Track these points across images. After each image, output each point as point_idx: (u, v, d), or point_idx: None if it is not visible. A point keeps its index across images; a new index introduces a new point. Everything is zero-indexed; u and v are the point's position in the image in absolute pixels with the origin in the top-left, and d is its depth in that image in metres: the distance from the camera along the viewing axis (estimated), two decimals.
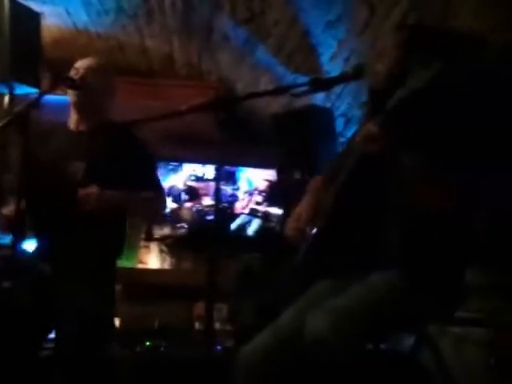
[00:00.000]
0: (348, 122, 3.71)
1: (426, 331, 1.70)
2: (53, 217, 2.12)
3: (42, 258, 2.17)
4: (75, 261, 2.09)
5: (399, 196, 1.52)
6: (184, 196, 4.49)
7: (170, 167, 4.54)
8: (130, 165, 2.17)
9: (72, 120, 2.27)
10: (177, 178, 4.52)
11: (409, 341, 1.78)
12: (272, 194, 4.55)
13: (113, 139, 2.19)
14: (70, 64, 2.24)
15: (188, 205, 4.48)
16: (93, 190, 2.03)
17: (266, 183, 4.57)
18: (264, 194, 4.56)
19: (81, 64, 2.23)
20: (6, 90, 2.56)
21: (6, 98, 2.63)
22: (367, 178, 1.57)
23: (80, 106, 2.23)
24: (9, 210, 2.14)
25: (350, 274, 1.62)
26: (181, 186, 4.50)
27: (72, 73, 2.20)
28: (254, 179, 4.60)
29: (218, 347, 3.48)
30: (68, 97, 2.22)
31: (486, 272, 2.26)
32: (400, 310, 1.53)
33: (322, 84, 1.65)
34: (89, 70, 2.20)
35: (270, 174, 4.56)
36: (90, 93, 2.19)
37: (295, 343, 1.51)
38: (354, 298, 1.49)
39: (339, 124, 3.71)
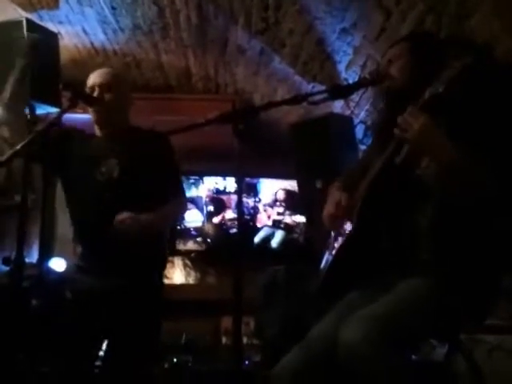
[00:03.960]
0: (368, 129, 3.68)
1: (459, 340, 1.65)
2: (96, 229, 2.13)
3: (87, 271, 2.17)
4: (121, 274, 2.10)
5: (433, 192, 1.50)
6: (209, 208, 4.49)
7: (191, 181, 4.55)
8: (157, 166, 2.20)
9: (97, 130, 2.31)
10: (198, 191, 4.53)
11: (442, 350, 1.73)
12: (293, 203, 4.53)
13: (141, 140, 2.24)
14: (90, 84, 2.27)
15: (214, 220, 4.47)
16: (126, 215, 2.03)
17: (284, 193, 4.55)
18: (284, 203, 4.54)
19: (95, 80, 2.26)
20: (26, 110, 2.59)
21: (27, 118, 2.66)
22: (401, 172, 1.54)
23: (103, 121, 2.26)
24: None
25: (380, 283, 1.59)
26: (204, 198, 4.50)
27: (89, 90, 2.24)
28: (273, 189, 4.59)
29: (246, 362, 3.45)
30: (91, 114, 2.26)
31: None
32: (432, 317, 1.49)
33: (341, 91, 1.64)
34: (105, 86, 2.23)
35: (290, 185, 4.55)
36: (109, 107, 2.23)
37: (327, 357, 1.48)
38: (385, 307, 1.46)
39: (359, 131, 3.67)
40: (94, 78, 2.28)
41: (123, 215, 2.02)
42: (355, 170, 1.81)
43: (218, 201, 4.52)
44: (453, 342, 1.64)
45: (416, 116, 1.45)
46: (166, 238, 2.32)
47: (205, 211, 4.50)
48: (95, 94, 2.21)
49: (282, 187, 4.57)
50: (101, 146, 2.24)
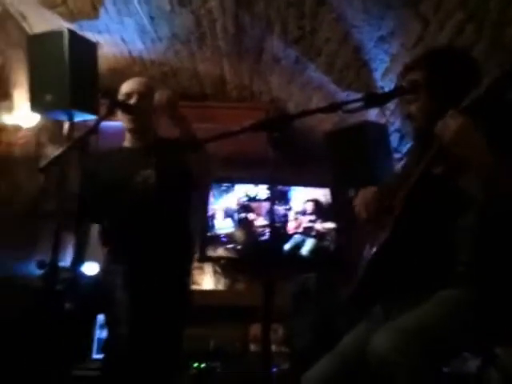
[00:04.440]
0: (403, 137, 3.63)
1: (493, 353, 1.61)
2: (128, 233, 2.24)
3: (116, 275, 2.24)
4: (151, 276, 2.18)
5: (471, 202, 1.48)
6: (239, 215, 4.51)
7: (223, 188, 4.58)
8: (181, 180, 2.29)
9: (127, 141, 2.38)
10: (230, 198, 4.55)
11: (474, 362, 1.69)
12: (321, 214, 4.51)
13: (168, 152, 2.31)
14: (126, 92, 2.32)
15: (243, 226, 4.49)
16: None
17: (312, 204, 4.54)
18: (313, 214, 4.52)
19: (133, 87, 2.33)
20: (65, 118, 2.66)
21: (66, 125, 2.73)
22: (441, 182, 1.53)
23: (136, 129, 2.33)
24: None
25: (413, 294, 1.57)
26: (234, 205, 4.52)
27: (123, 97, 2.31)
28: (305, 197, 4.58)
29: (274, 369, 3.43)
30: (123, 122, 2.33)
31: None
32: (466, 329, 1.46)
33: (377, 99, 1.62)
34: (140, 95, 2.29)
35: (321, 193, 4.53)
36: (143, 116, 2.30)
37: (358, 367, 1.47)
38: (417, 319, 1.44)
39: (394, 140, 3.63)
40: (131, 85, 2.34)
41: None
42: (392, 180, 1.80)
43: (246, 208, 4.53)
44: (487, 355, 1.60)
45: (455, 117, 1.43)
46: (194, 241, 2.47)
47: (236, 218, 4.52)
48: (132, 100, 2.28)
49: (311, 198, 4.57)
50: (134, 157, 2.31)
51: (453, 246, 1.53)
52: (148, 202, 2.20)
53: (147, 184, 2.22)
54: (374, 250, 1.63)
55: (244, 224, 4.50)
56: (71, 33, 2.64)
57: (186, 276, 2.37)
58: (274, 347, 3.71)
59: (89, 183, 2.28)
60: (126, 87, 2.35)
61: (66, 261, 3.57)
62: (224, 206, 4.54)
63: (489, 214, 1.48)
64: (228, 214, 4.53)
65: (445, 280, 1.53)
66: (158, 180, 2.22)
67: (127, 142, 2.39)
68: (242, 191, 4.57)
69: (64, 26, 2.94)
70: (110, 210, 2.28)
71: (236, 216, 4.52)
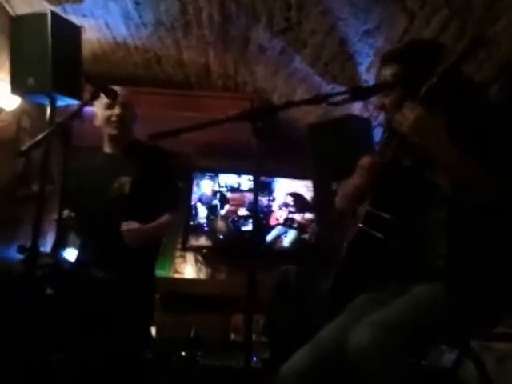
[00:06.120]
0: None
1: (469, 346, 1.64)
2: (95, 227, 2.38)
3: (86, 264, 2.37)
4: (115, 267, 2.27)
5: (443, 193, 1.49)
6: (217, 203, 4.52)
7: (206, 178, 4.57)
8: (159, 182, 2.42)
9: (107, 147, 2.53)
10: (210, 186, 4.56)
11: (451, 355, 1.72)
12: (302, 205, 4.54)
13: (146, 158, 2.45)
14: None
15: (223, 213, 4.50)
16: (134, 226, 2.25)
17: (292, 197, 4.57)
18: (294, 206, 4.55)
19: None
20: (47, 102, 2.62)
21: (48, 110, 2.69)
22: (412, 173, 1.54)
23: (118, 137, 2.48)
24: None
25: (390, 287, 1.59)
26: (210, 193, 4.53)
27: (107, 108, 2.45)
28: (288, 189, 4.60)
29: (254, 359, 3.45)
30: (107, 130, 2.47)
31: None
32: (443, 324, 1.49)
33: (362, 93, 1.62)
34: (122, 105, 2.43)
35: (305, 185, 4.55)
36: (126, 126, 2.47)
37: (336, 359, 1.48)
38: (396, 311, 1.46)
39: (377, 134, 3.65)
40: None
41: (128, 225, 2.24)
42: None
43: (223, 196, 4.55)
44: (463, 349, 1.63)
45: (412, 108, 1.45)
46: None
47: (218, 207, 4.52)
48: (116, 111, 2.42)
49: (292, 191, 4.59)
50: (114, 163, 2.45)
51: (428, 237, 1.55)
52: (121, 208, 2.33)
53: (122, 191, 2.35)
54: (347, 243, 1.65)
55: (225, 214, 4.51)
56: (54, 15, 2.58)
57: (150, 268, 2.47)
58: (254, 337, 3.73)
59: (68, 181, 2.33)
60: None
61: (47, 246, 3.54)
62: (206, 196, 4.54)
63: (461, 207, 1.49)
64: (208, 202, 4.53)
65: (421, 273, 1.54)
66: (132, 187, 2.35)
67: (107, 148, 2.52)
68: (223, 181, 4.57)
69: (48, 8, 2.89)
70: (82, 210, 2.43)
71: (218, 205, 4.52)
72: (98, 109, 2.51)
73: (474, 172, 1.42)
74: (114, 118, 2.44)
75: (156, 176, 2.41)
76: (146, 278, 2.41)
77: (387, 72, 1.67)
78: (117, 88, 2.43)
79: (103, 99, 2.42)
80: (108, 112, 2.45)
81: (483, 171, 1.41)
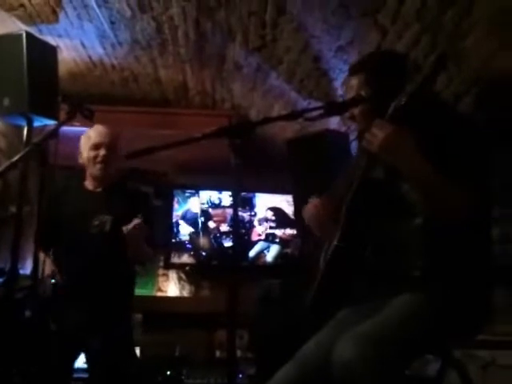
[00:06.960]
0: None
1: (452, 355, 1.65)
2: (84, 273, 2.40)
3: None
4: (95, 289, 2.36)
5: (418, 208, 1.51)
6: (202, 222, 4.50)
7: (187, 194, 4.56)
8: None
9: (89, 184, 2.54)
10: (192, 203, 4.55)
11: (435, 365, 1.73)
12: (282, 220, 4.56)
13: (127, 197, 2.51)
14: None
15: (206, 230, 4.48)
16: (138, 220, 2.26)
17: (272, 212, 4.59)
18: (273, 221, 4.57)
19: (98, 140, 2.49)
20: (24, 123, 2.60)
21: (25, 131, 2.67)
22: (386, 188, 1.56)
23: (102, 177, 2.50)
24: None
25: (371, 299, 1.60)
26: (196, 210, 4.51)
27: (92, 147, 2.49)
28: (269, 204, 4.61)
29: (240, 375, 3.43)
30: (91, 170, 2.49)
31: None
32: (426, 333, 1.50)
33: (337, 108, 1.65)
34: (108, 147, 2.47)
35: (286, 200, 4.56)
36: (110, 167, 2.50)
37: (321, 374, 1.47)
38: (378, 323, 1.46)
39: (354, 148, 3.70)
40: (99, 138, 2.50)
41: (135, 222, 2.25)
42: (339, 184, 1.83)
43: (209, 214, 4.54)
44: (446, 358, 1.64)
45: (381, 127, 1.47)
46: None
47: (200, 225, 4.51)
48: (101, 152, 2.45)
49: (271, 205, 4.61)
50: (95, 201, 2.47)
51: (404, 249, 1.56)
52: (100, 245, 2.37)
53: (103, 229, 2.38)
54: (324, 259, 1.66)
55: (207, 230, 4.49)
56: (29, 36, 2.57)
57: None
58: (239, 353, 3.71)
59: (47, 208, 2.33)
60: (94, 138, 2.49)
61: (27, 269, 3.48)
62: (188, 213, 4.52)
63: (433, 220, 1.51)
64: (191, 221, 4.51)
65: (401, 285, 1.55)
66: (113, 226, 2.37)
67: (89, 185, 2.54)
68: (205, 198, 4.56)
69: (23, 29, 2.88)
70: (61, 239, 2.45)
71: (200, 222, 4.51)
72: (84, 148, 2.52)
73: (445, 188, 1.43)
74: (99, 159, 2.45)
75: (136, 215, 2.40)
76: (122, 311, 2.47)
77: (354, 82, 1.69)
78: (101, 125, 2.50)
79: (90, 134, 2.49)
80: (93, 153, 2.47)
81: (455, 187, 1.42)
